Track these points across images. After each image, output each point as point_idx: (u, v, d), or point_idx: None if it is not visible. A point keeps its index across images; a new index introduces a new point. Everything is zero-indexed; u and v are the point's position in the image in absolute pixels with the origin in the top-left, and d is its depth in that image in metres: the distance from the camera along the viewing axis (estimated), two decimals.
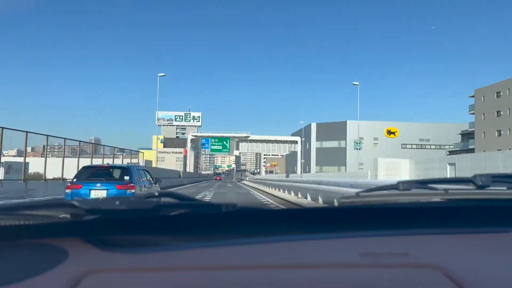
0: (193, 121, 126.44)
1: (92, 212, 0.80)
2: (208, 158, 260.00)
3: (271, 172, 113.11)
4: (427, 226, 0.91)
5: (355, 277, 0.76)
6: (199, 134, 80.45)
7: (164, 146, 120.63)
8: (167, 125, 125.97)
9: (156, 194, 0.88)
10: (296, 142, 67.55)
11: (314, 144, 67.58)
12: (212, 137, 72.58)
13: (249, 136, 70.27)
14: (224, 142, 71.23)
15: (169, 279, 0.74)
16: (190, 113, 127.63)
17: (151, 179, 11.07)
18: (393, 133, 67.65)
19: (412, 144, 68.36)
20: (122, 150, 30.82)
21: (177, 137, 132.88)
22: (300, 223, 0.91)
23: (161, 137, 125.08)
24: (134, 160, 31.39)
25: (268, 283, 0.74)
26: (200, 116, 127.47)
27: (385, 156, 66.85)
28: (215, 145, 71.95)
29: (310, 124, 75.24)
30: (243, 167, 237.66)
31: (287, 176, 31.99)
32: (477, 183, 1.02)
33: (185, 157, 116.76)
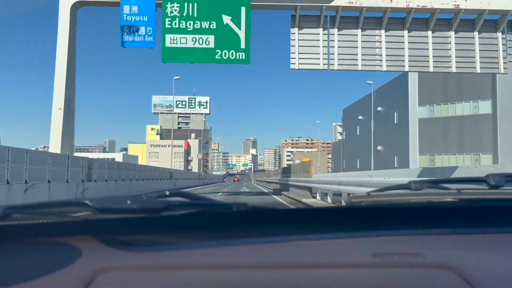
0: (199, 107, 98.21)
1: (104, 211, 0.81)
2: (221, 157, 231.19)
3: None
4: (439, 226, 0.90)
5: (367, 278, 0.76)
6: None
7: (161, 139, 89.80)
8: (166, 113, 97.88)
9: (167, 193, 0.88)
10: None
11: (417, 110, 30.23)
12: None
13: None
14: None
15: (181, 277, 0.75)
16: (195, 98, 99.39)
17: None
18: None
19: None
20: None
21: (179, 127, 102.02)
22: (311, 223, 0.90)
23: (157, 127, 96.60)
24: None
25: (278, 283, 0.74)
26: (208, 101, 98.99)
27: None
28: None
29: (402, 74, 32.71)
30: (260, 167, 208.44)
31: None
32: (490, 182, 1.02)
33: (186, 151, 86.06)
